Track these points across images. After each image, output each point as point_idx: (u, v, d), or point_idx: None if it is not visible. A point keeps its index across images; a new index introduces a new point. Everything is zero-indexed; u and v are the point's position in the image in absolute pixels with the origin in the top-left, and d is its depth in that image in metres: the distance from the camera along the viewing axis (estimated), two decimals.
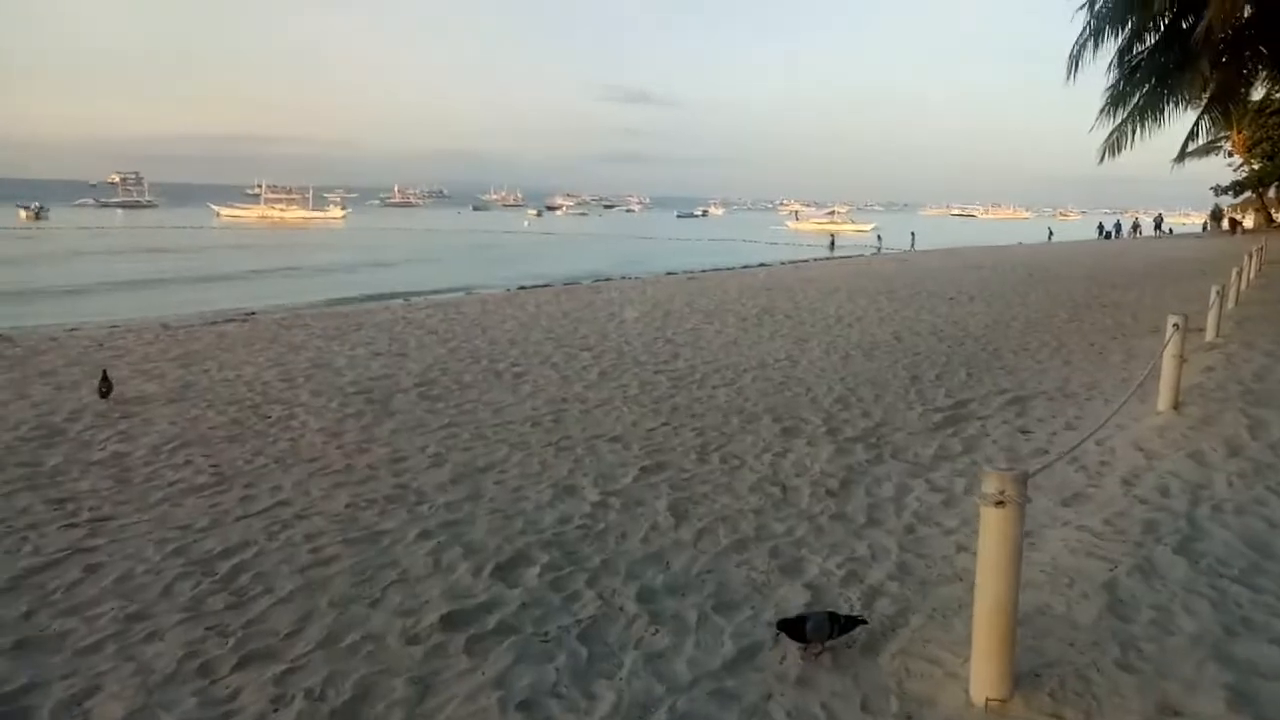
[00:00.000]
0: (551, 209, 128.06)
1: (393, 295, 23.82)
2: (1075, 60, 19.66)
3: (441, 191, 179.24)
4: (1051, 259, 33.33)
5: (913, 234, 56.60)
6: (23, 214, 68.11)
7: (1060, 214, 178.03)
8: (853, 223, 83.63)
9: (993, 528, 2.99)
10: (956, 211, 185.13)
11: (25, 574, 4.61)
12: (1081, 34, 19.46)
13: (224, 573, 4.62)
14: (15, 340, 13.37)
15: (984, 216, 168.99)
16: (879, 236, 56.48)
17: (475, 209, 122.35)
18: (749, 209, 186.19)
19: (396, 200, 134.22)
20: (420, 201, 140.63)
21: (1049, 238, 59.43)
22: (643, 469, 6.54)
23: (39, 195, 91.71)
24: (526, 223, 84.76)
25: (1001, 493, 2.93)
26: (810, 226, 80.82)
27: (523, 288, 26.54)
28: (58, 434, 7.55)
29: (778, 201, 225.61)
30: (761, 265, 36.93)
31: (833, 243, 55.17)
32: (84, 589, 4.43)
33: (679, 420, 8.06)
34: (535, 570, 4.65)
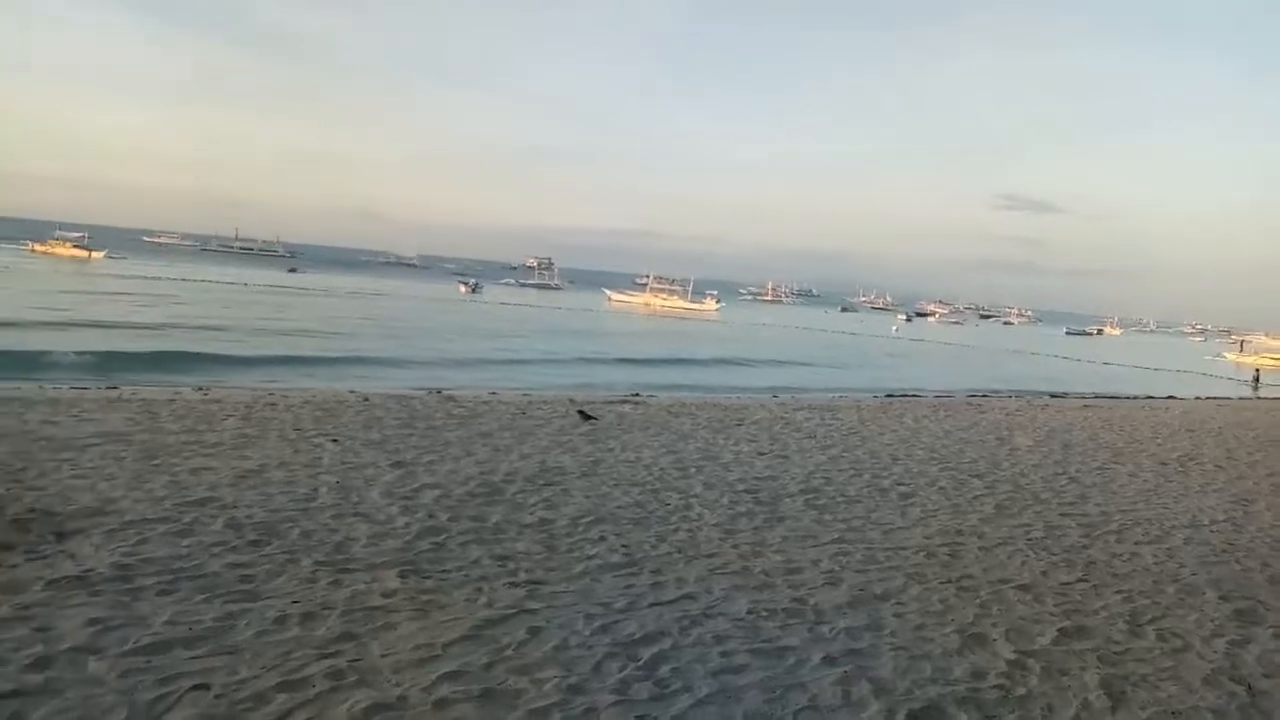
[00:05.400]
0: (922, 315, 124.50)
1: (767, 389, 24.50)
2: None
3: (810, 290, 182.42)
4: None
5: None
6: (462, 288, 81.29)
7: None
8: None
9: None
10: None
11: (483, 625, 5.25)
12: None
13: (646, 660, 4.88)
14: (458, 400, 15.72)
15: None
16: None
17: (843, 310, 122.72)
18: (1151, 330, 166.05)
19: (768, 297, 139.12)
20: (789, 299, 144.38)
21: None
22: (1061, 630, 5.88)
23: (473, 274, 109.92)
24: (895, 328, 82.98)
25: None
26: (1262, 361, 61.69)
27: (891, 396, 25.86)
28: (497, 493, 8.63)
29: (1190, 324, 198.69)
30: (1170, 398, 32.52)
31: (1257, 379, 46.78)
32: (529, 650, 4.93)
33: (1098, 578, 7.19)
34: None
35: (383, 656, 4.73)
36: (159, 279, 56.95)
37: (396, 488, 8.54)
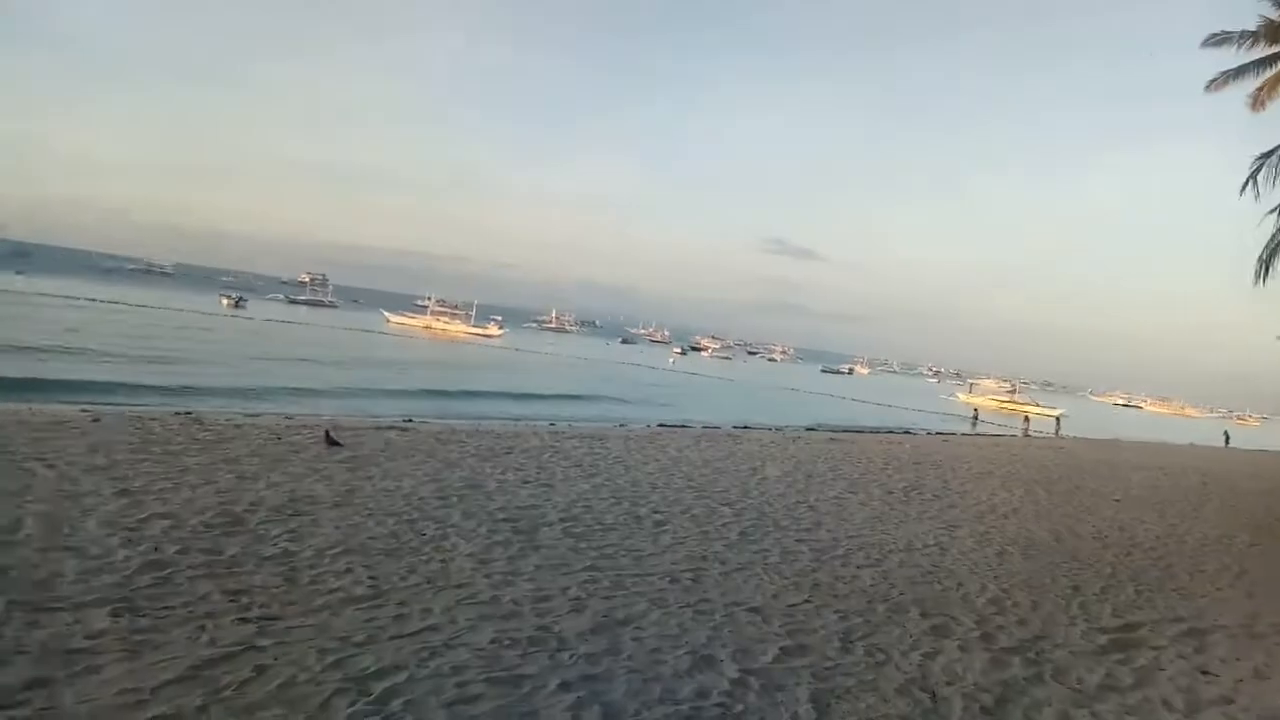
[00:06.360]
0: (696, 349, 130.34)
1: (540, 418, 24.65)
2: (1266, 264, 18.90)
3: (594, 322, 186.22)
4: (1229, 468, 30.91)
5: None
6: (225, 302, 75.59)
7: (1238, 418, 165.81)
8: (1037, 405, 71.70)
9: None
10: (1121, 401, 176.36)
11: (202, 665, 4.93)
12: (1273, 238, 18.76)
13: (378, 694, 4.78)
14: (205, 423, 14.62)
15: (1149, 409, 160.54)
16: (1027, 419, 53.92)
17: (623, 341, 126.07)
18: (895, 371, 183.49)
19: (552, 325, 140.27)
20: (573, 328, 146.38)
21: (1225, 442, 55.28)
22: (783, 649, 6.38)
23: (233, 286, 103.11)
24: (671, 360, 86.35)
25: None
26: (986, 403, 72.58)
27: (664, 426, 26.89)
28: (237, 524, 8.12)
29: (924, 366, 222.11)
30: (906, 432, 36.08)
31: (976, 417, 53.31)
32: (252, 689, 4.69)
33: (821, 599, 7.85)
34: None
35: (80, 703, 4.33)
36: None
37: (120, 518, 7.83)
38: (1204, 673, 6.83)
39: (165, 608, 5.79)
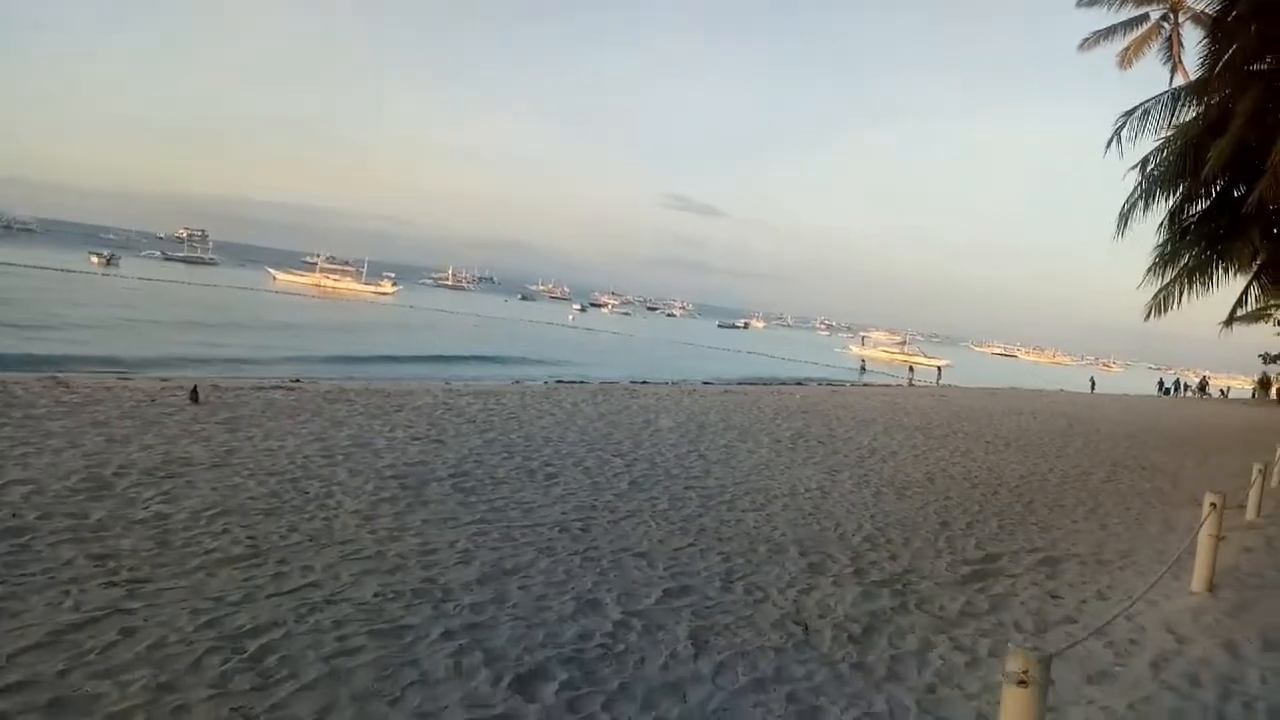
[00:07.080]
0: (596, 305, 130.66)
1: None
2: (1125, 218, 19.98)
3: (492, 278, 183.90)
4: (1092, 411, 33.03)
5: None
6: (95, 260, 71.20)
7: (1104, 364, 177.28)
8: (925, 356, 74.32)
9: (1013, 708, 3.02)
10: (999, 351, 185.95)
11: (64, 630, 4.75)
12: (1133, 193, 19.86)
13: (252, 651, 4.71)
14: (72, 385, 13.87)
15: (1025, 358, 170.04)
16: (912, 368, 56.43)
17: (522, 298, 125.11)
18: (789, 325, 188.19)
19: (449, 282, 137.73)
20: (470, 285, 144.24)
21: (1091, 388, 59.04)
22: (666, 591, 6.56)
23: (114, 244, 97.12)
24: (571, 317, 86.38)
25: (1024, 673, 2.96)
26: (878, 354, 75.16)
27: (561, 382, 26.94)
28: (105, 488, 7.79)
29: (817, 320, 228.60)
30: (798, 383, 37.14)
31: (863, 368, 55.81)
32: (118, 652, 4.55)
33: (706, 542, 8.09)
34: (553, 687, 4.68)
35: None
36: None
37: None
38: (1053, 597, 7.38)
39: (24, 575, 5.54)
